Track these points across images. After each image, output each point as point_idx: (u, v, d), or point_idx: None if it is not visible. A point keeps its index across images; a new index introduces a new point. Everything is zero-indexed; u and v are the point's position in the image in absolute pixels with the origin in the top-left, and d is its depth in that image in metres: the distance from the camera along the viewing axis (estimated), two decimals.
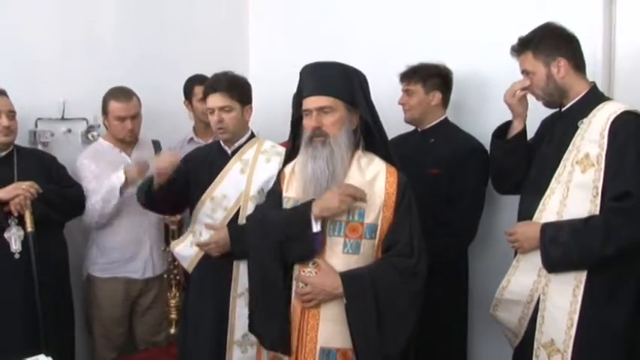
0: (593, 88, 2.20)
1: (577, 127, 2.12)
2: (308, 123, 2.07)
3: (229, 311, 2.54)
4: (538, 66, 2.19)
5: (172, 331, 2.97)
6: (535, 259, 2.12)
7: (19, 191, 2.64)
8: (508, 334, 2.31)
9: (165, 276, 3.02)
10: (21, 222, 2.69)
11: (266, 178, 2.56)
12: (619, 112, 2.04)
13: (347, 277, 1.97)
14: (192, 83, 3.33)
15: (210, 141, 3.11)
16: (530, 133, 2.44)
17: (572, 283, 2.04)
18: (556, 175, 2.12)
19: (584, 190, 2.03)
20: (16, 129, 2.83)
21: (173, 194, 2.57)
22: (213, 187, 2.60)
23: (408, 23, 3.17)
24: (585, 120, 2.10)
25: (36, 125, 3.17)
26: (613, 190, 1.98)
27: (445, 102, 2.82)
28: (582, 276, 2.02)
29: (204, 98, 2.65)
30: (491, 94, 2.89)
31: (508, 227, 2.26)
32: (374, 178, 2.06)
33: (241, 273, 2.52)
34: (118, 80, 3.13)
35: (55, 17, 3.22)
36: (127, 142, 3.12)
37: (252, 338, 2.51)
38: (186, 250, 2.68)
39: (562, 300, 2.05)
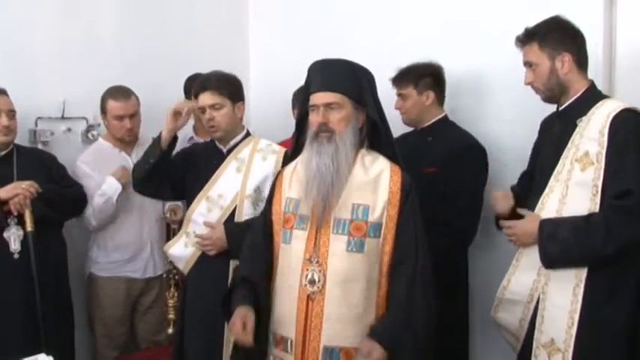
0: (592, 86, 2.19)
1: (576, 126, 2.11)
2: (314, 118, 2.07)
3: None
4: (542, 58, 2.17)
5: (170, 331, 2.98)
6: (535, 257, 2.11)
7: (19, 190, 2.64)
8: (510, 339, 2.29)
9: (165, 276, 3.02)
10: (20, 222, 2.69)
11: (262, 177, 2.56)
12: (618, 109, 2.03)
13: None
14: (193, 82, 3.31)
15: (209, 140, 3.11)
16: (531, 134, 2.44)
17: (572, 282, 2.03)
18: (555, 173, 2.11)
19: (584, 188, 2.02)
20: (16, 128, 2.83)
21: (168, 171, 2.62)
22: (208, 187, 2.59)
23: (407, 23, 3.17)
24: (584, 118, 2.09)
25: (36, 124, 3.18)
26: (614, 189, 1.97)
27: (440, 100, 2.82)
28: (582, 275, 2.01)
29: (195, 98, 2.64)
30: (488, 93, 2.90)
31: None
32: (378, 176, 2.06)
33: None
34: (118, 79, 3.13)
35: (55, 16, 3.22)
36: (127, 141, 3.12)
37: None
38: (181, 250, 2.67)
39: (562, 299, 2.04)
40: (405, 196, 2.04)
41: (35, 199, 2.67)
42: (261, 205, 2.50)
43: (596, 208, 2.00)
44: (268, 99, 3.73)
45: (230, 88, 2.61)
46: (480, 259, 2.87)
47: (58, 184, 2.89)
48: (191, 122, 3.40)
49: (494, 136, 2.81)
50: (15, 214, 2.67)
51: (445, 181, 2.66)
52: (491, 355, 2.83)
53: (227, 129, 2.60)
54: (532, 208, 2.17)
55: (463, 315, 2.83)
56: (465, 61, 2.88)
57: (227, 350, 2.54)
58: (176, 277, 2.95)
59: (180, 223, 2.88)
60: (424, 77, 2.76)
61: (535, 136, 2.42)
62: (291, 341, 2.04)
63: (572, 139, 2.10)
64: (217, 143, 2.68)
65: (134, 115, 3.08)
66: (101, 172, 3.02)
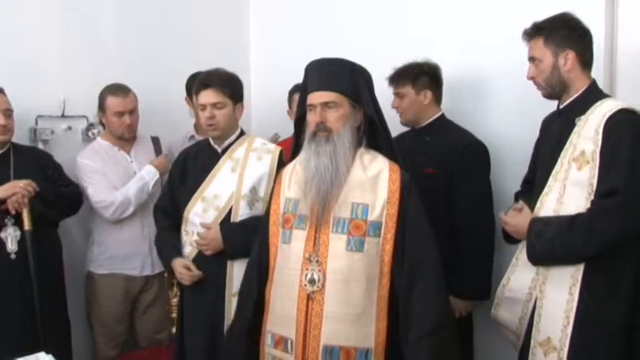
0: (593, 84, 2.18)
1: (574, 125, 2.11)
2: (312, 118, 2.08)
3: (225, 310, 2.53)
4: (546, 54, 2.16)
5: (174, 330, 2.96)
6: None
7: (17, 190, 2.63)
8: (510, 337, 2.30)
9: (167, 275, 3.02)
10: (17, 221, 2.69)
11: (257, 177, 2.55)
12: (615, 109, 2.03)
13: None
14: (195, 80, 3.32)
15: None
16: (532, 133, 2.44)
17: (568, 281, 2.03)
18: (553, 172, 2.11)
19: (581, 187, 2.02)
20: (13, 127, 2.83)
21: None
22: (203, 187, 2.58)
23: (408, 23, 3.17)
24: (583, 117, 2.09)
25: (36, 123, 3.18)
26: (601, 187, 1.97)
27: (437, 98, 2.81)
28: (579, 274, 2.02)
29: (196, 94, 2.62)
30: (489, 93, 2.90)
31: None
32: (377, 175, 2.06)
33: (236, 272, 2.51)
34: (119, 78, 3.13)
35: (55, 15, 3.22)
36: (126, 138, 3.11)
37: None
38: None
39: (558, 298, 2.05)
40: (404, 194, 2.04)
41: (32, 198, 2.67)
42: (257, 205, 2.52)
43: None
44: (269, 99, 3.73)
45: (233, 87, 2.59)
46: None
47: (55, 183, 2.89)
48: (192, 120, 3.42)
49: (495, 136, 2.81)
50: (12, 213, 2.66)
51: (446, 181, 2.66)
52: (496, 353, 2.83)
53: (225, 128, 2.59)
54: (532, 207, 2.17)
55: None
56: (465, 61, 2.88)
57: None
58: None
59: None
60: (421, 76, 2.76)
61: (536, 135, 2.42)
62: (291, 341, 2.05)
63: (570, 138, 2.10)
64: (212, 143, 2.67)
65: (133, 112, 3.08)
66: (102, 170, 3.02)
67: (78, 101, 3.27)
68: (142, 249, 3.12)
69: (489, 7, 2.86)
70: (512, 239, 2.27)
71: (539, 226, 2.07)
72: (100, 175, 3.01)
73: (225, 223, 2.53)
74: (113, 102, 3.02)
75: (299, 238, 2.07)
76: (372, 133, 2.15)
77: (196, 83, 2.63)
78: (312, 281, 2.01)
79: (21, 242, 2.69)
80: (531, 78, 2.23)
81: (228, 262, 2.52)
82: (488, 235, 2.67)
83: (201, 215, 2.56)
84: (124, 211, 3.01)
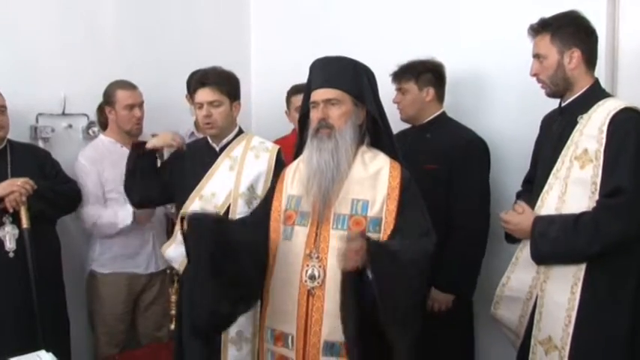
0: (595, 83, 2.18)
1: (576, 123, 2.10)
2: (314, 115, 2.09)
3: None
4: (552, 51, 2.15)
5: (172, 327, 2.96)
6: None
7: (15, 188, 2.62)
8: (510, 335, 2.30)
9: (168, 271, 3.02)
10: (15, 220, 2.69)
11: (255, 175, 2.56)
12: (619, 108, 2.03)
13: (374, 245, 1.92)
14: None
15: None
16: (532, 131, 2.43)
17: (570, 281, 2.03)
18: (554, 170, 2.11)
19: (583, 186, 2.02)
20: (8, 124, 2.81)
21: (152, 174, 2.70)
22: (201, 185, 2.58)
23: (407, 22, 3.17)
24: (585, 115, 2.09)
25: (37, 121, 3.17)
26: (606, 186, 1.97)
27: (440, 96, 2.82)
28: (581, 273, 2.02)
29: (193, 93, 2.62)
30: (490, 90, 2.90)
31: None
32: (377, 172, 2.06)
33: None
34: (119, 75, 3.13)
35: (56, 12, 3.22)
36: (134, 134, 3.10)
37: (247, 335, 2.53)
38: (176, 250, 2.66)
39: (560, 297, 2.05)
40: (403, 190, 2.04)
41: (30, 195, 2.66)
42: (255, 204, 2.51)
43: None
44: (269, 97, 3.73)
45: (229, 86, 2.59)
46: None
47: (53, 180, 2.88)
48: (192, 117, 3.41)
49: (496, 133, 2.81)
50: (10, 211, 2.66)
51: (447, 178, 2.67)
52: (497, 350, 2.83)
53: (223, 127, 2.60)
54: (533, 205, 2.16)
55: (468, 310, 2.84)
56: (467, 59, 2.88)
57: (225, 348, 2.55)
58: (179, 273, 2.94)
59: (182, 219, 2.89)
60: (425, 73, 2.76)
61: (536, 132, 2.42)
62: (292, 337, 2.05)
63: (571, 136, 2.09)
64: (210, 141, 2.67)
65: (141, 106, 3.09)
66: (103, 168, 3.03)
67: (78, 99, 3.26)
68: (147, 246, 3.12)
69: (492, 5, 2.86)
70: (512, 239, 2.27)
71: (543, 225, 2.07)
72: (91, 183, 3.00)
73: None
74: (124, 95, 3.02)
75: (300, 234, 2.07)
76: (374, 132, 2.16)
77: (193, 82, 2.64)
78: (312, 277, 2.01)
79: (19, 240, 2.69)
80: (535, 75, 2.22)
81: None
82: (481, 232, 2.69)
83: None
84: (90, 230, 3.05)
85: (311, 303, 2.02)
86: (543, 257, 2.08)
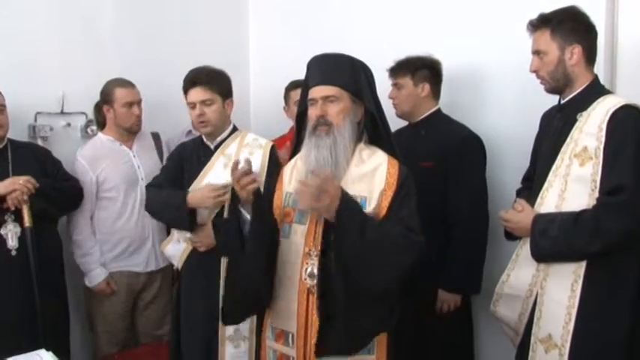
0: (595, 80, 2.17)
1: (576, 120, 2.09)
2: (313, 112, 2.08)
3: (219, 306, 2.51)
4: (552, 47, 2.13)
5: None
6: None
7: (16, 186, 2.63)
8: (509, 333, 2.29)
9: (175, 268, 3.01)
10: (17, 218, 2.69)
11: None
12: (619, 105, 2.02)
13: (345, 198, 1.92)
14: None
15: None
16: (531, 128, 2.43)
17: (570, 278, 2.02)
18: (554, 168, 2.10)
19: (583, 183, 2.02)
20: (7, 123, 2.82)
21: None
22: (197, 183, 2.59)
23: (406, 19, 3.17)
24: (584, 113, 2.08)
25: (35, 119, 3.17)
26: (607, 184, 1.96)
27: (435, 93, 2.81)
28: (581, 270, 2.01)
29: (185, 93, 2.63)
30: (487, 89, 2.89)
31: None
32: (375, 169, 2.06)
33: None
34: (118, 74, 3.13)
35: (54, 11, 3.22)
36: (134, 131, 3.11)
37: (244, 333, 2.54)
38: (174, 247, 2.69)
39: (560, 295, 2.04)
40: (399, 187, 2.03)
41: (32, 194, 2.67)
42: None
43: None
44: (268, 95, 3.73)
45: (220, 84, 2.61)
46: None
47: (54, 178, 2.89)
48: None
49: (494, 130, 2.81)
50: (12, 209, 2.66)
51: (443, 177, 2.66)
52: (495, 348, 2.83)
53: (217, 125, 2.61)
54: (532, 202, 2.16)
55: (466, 308, 2.84)
56: (464, 55, 2.87)
57: (222, 346, 2.56)
58: (178, 270, 2.95)
59: None
60: (421, 69, 2.76)
61: (535, 129, 2.41)
62: (293, 335, 2.05)
63: (571, 133, 2.08)
64: (205, 139, 2.68)
65: (140, 103, 3.09)
66: (101, 167, 3.02)
67: (77, 98, 3.26)
68: (146, 244, 3.12)
69: (489, 2, 2.86)
70: (512, 236, 2.26)
71: (543, 222, 2.06)
72: (87, 183, 3.00)
73: (217, 219, 2.55)
74: (122, 93, 3.02)
75: (299, 232, 2.06)
76: (372, 129, 2.15)
77: (184, 82, 2.64)
78: (312, 275, 2.00)
79: (21, 239, 2.69)
80: (534, 71, 2.20)
81: (222, 258, 2.54)
82: (481, 230, 2.69)
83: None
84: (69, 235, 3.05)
85: (311, 301, 2.01)
86: (543, 255, 2.07)
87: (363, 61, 2.15)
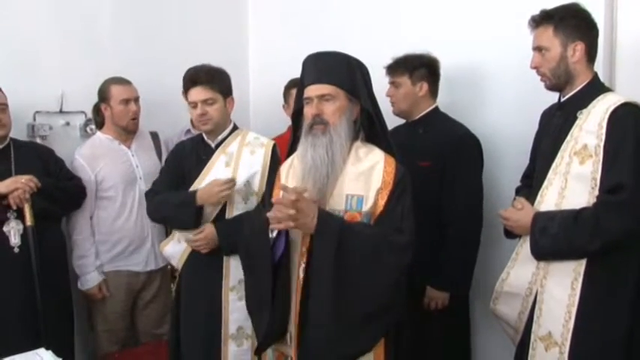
0: (595, 78, 2.16)
1: (576, 118, 2.09)
2: (309, 110, 2.08)
3: (222, 306, 2.54)
4: (554, 43, 2.11)
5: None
6: None
7: (19, 185, 2.63)
8: (509, 331, 2.29)
9: (169, 267, 3.02)
10: (20, 216, 2.69)
11: (251, 171, 2.55)
12: (618, 103, 2.01)
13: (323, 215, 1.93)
14: None
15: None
16: (530, 126, 2.42)
17: (570, 276, 2.02)
18: (553, 166, 2.10)
19: (583, 181, 2.01)
20: (9, 122, 2.82)
21: None
22: (198, 182, 2.58)
23: (405, 19, 3.16)
24: (585, 110, 2.07)
25: (34, 119, 3.17)
26: (607, 182, 1.96)
27: (433, 92, 2.81)
28: (581, 268, 2.01)
29: (185, 93, 2.62)
30: (486, 87, 2.89)
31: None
32: (372, 167, 2.05)
33: (232, 266, 2.52)
34: (117, 73, 3.12)
35: (53, 11, 3.21)
36: (131, 129, 3.10)
37: (247, 331, 2.53)
38: (174, 247, 2.68)
39: (560, 293, 2.04)
40: (396, 186, 2.03)
41: (34, 193, 2.67)
42: (252, 199, 2.53)
43: None
44: (267, 94, 3.73)
45: (221, 82, 2.59)
46: (481, 250, 2.85)
47: (57, 177, 2.89)
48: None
49: (492, 129, 2.81)
50: (15, 208, 2.66)
51: (440, 176, 2.66)
52: (494, 347, 2.83)
53: (218, 122, 2.60)
54: (532, 201, 2.16)
55: (464, 306, 2.84)
56: (463, 54, 2.87)
57: (225, 345, 2.55)
58: (178, 270, 2.94)
59: None
60: (419, 68, 2.75)
61: (534, 128, 2.41)
62: (290, 334, 2.05)
63: (571, 131, 2.08)
64: (205, 138, 2.67)
65: (137, 101, 3.08)
66: (99, 166, 3.02)
67: (76, 97, 3.26)
68: (146, 244, 3.12)
69: (489, 1, 2.85)
70: (512, 234, 2.26)
71: (543, 221, 2.06)
72: (85, 176, 2.99)
73: (220, 219, 2.54)
74: (118, 90, 3.02)
75: (295, 231, 2.04)
76: (369, 127, 2.15)
77: (184, 81, 2.62)
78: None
79: (24, 236, 2.70)
80: (535, 67, 2.19)
81: (224, 257, 2.54)
82: (474, 230, 2.68)
83: None
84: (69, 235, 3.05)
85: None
86: (543, 253, 2.07)
87: (362, 59, 2.15)
